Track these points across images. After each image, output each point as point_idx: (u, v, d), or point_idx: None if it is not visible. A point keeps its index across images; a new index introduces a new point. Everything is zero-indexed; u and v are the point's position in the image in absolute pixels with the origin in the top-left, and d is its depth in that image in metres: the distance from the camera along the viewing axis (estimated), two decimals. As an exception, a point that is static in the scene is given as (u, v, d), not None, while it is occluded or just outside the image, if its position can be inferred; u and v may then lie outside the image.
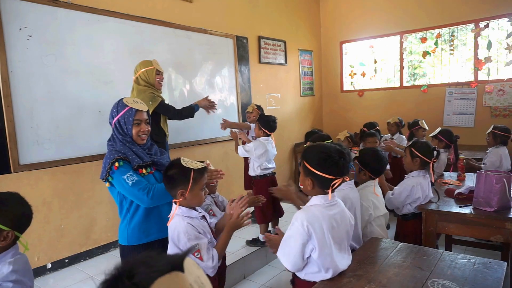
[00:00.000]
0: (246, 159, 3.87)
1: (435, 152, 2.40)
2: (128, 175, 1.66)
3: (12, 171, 2.71)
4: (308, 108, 6.30)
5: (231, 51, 4.63)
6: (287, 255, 1.47)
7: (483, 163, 3.45)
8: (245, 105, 4.69)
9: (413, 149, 2.41)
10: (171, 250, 1.61)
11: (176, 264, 0.49)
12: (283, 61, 5.60)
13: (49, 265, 2.99)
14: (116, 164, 1.67)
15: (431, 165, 2.39)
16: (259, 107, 3.90)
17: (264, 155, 3.22)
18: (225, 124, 3.80)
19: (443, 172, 3.31)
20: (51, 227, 3.00)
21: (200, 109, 3.24)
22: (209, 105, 3.28)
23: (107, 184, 1.74)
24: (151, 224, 1.79)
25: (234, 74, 4.68)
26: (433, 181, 2.43)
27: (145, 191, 1.66)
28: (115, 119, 1.76)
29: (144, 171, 1.76)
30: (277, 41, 5.44)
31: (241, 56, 4.78)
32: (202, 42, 4.23)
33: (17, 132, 2.74)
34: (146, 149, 1.85)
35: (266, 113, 3.77)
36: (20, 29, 2.75)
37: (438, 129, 3.40)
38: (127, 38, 3.47)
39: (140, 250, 1.76)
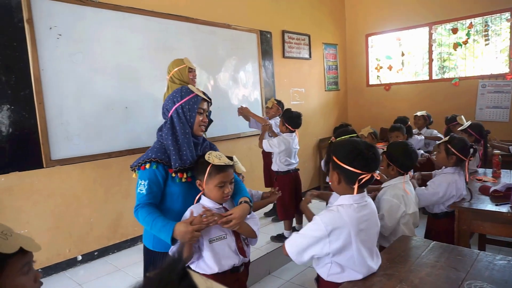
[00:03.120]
0: (265, 157, 3.85)
1: (471, 150, 2.28)
2: (142, 183, 1.59)
3: (44, 166, 2.81)
4: (333, 103, 6.19)
5: (254, 46, 4.60)
6: (295, 243, 1.45)
7: None
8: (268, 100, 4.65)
9: (449, 146, 2.29)
10: None
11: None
12: (307, 55, 5.51)
13: (80, 257, 3.08)
14: (147, 165, 1.59)
15: (466, 163, 2.27)
16: (279, 103, 3.85)
17: (286, 151, 3.19)
18: (242, 110, 3.70)
19: (476, 168, 3.17)
20: (81, 220, 3.09)
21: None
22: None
23: (134, 175, 1.68)
24: None
25: (258, 69, 4.65)
26: (467, 180, 2.32)
27: (137, 206, 1.59)
28: (178, 104, 1.65)
29: (184, 175, 1.64)
30: (301, 35, 5.36)
31: (265, 50, 4.74)
32: (226, 38, 4.22)
33: (48, 128, 2.82)
34: (199, 144, 1.76)
35: (291, 108, 3.72)
36: (51, 28, 2.83)
37: (468, 123, 3.24)
38: (152, 35, 3.50)
39: (164, 258, 1.67)
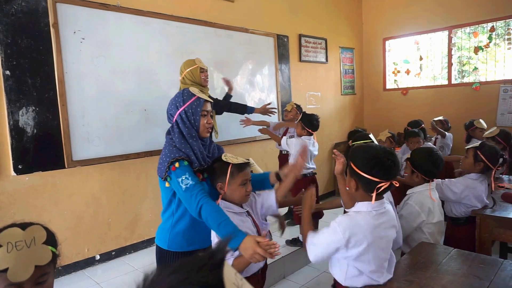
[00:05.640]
0: (282, 160, 3.85)
1: (501, 159, 2.22)
2: (183, 178, 1.51)
3: (66, 167, 2.87)
4: (349, 107, 6.15)
5: (271, 50, 4.62)
6: (316, 246, 1.46)
7: None
8: (285, 104, 4.65)
9: (478, 152, 2.24)
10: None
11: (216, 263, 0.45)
12: (323, 59, 5.50)
13: (98, 257, 3.14)
14: (177, 164, 1.54)
15: (493, 172, 2.21)
16: (298, 107, 3.86)
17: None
18: (248, 123, 3.68)
19: (500, 175, 3.09)
20: (100, 220, 3.15)
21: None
22: (266, 111, 3.50)
23: (167, 184, 1.61)
24: (196, 233, 1.67)
25: (275, 73, 4.67)
26: (493, 189, 2.26)
27: (197, 199, 1.48)
28: (181, 108, 1.62)
29: (201, 176, 1.63)
30: (317, 39, 5.36)
31: (282, 54, 4.75)
32: (243, 41, 4.25)
33: (70, 129, 2.89)
34: (206, 146, 1.72)
35: (306, 112, 3.72)
36: (74, 32, 2.90)
37: (494, 129, 3.15)
38: (171, 39, 3.56)
39: (180, 257, 1.63)
